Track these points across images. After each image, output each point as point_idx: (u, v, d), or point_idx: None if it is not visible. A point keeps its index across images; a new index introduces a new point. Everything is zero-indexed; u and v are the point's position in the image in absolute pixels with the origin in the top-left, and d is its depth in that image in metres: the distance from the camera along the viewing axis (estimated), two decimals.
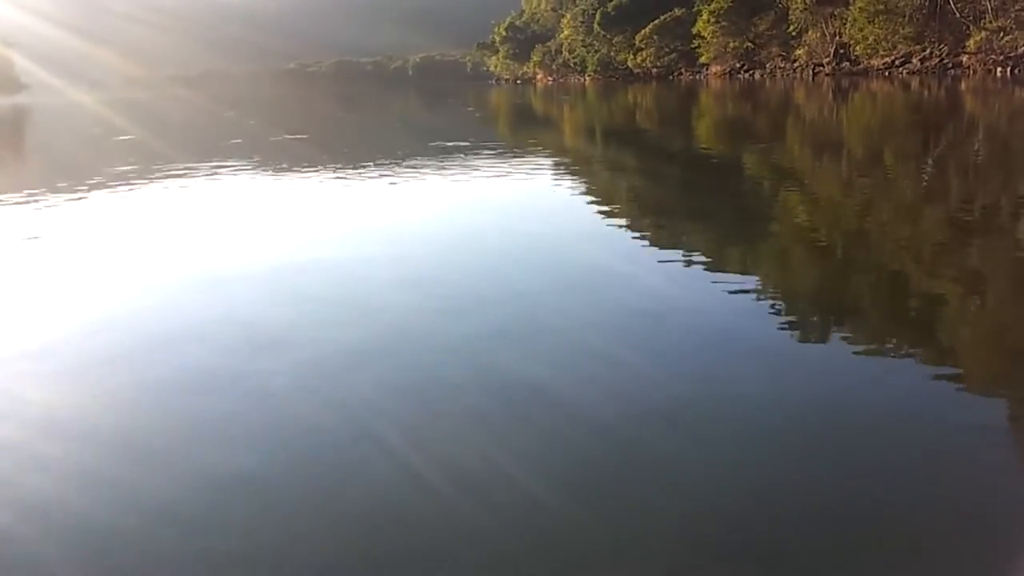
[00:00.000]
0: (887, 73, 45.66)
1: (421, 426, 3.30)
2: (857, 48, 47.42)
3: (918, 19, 43.31)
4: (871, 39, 45.69)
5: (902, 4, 43.10)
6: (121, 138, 25.08)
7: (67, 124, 38.62)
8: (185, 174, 13.40)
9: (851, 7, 47.03)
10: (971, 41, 40.61)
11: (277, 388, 3.77)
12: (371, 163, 14.69)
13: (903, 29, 43.97)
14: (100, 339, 4.69)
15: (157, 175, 13.41)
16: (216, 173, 13.49)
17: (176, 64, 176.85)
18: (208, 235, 8.12)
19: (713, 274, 5.73)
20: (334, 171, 13.96)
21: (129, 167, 15.14)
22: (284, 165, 15.18)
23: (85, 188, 12.09)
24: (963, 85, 33.72)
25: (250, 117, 37.55)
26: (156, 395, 3.75)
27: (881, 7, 44.03)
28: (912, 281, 5.55)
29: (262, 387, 3.78)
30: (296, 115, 42.05)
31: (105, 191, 11.78)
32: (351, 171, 13.62)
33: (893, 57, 45.87)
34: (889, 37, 44.82)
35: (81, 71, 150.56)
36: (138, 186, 12.25)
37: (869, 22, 45.19)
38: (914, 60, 44.87)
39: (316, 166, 14.82)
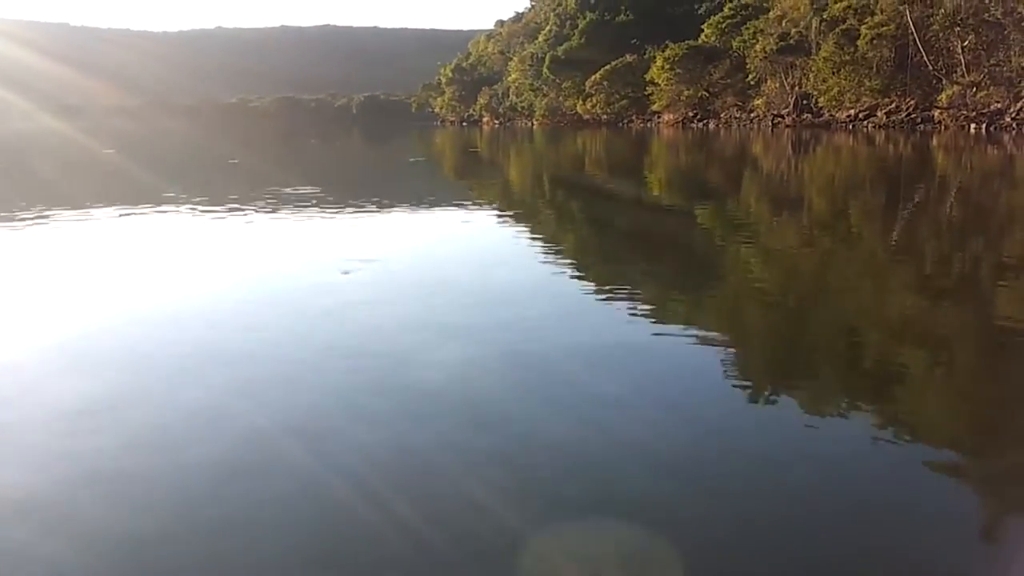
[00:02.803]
0: (851, 126, 43.20)
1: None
2: (820, 99, 44.95)
3: (885, 71, 40.97)
4: (835, 90, 43.24)
5: (870, 55, 40.67)
6: None
7: None
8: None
9: (814, 57, 44.68)
10: (943, 95, 38.28)
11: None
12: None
13: (869, 81, 41.60)
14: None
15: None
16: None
17: (118, 94, 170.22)
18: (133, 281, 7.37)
19: (657, 327, 5.49)
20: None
21: None
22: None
23: None
24: (934, 141, 31.80)
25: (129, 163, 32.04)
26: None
27: (847, 58, 41.63)
28: (867, 341, 5.45)
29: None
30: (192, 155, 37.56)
31: None
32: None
33: (858, 110, 43.44)
34: (855, 89, 42.39)
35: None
36: None
37: (834, 73, 42.78)
38: (879, 113, 42.49)
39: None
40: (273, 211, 12.43)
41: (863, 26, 40.72)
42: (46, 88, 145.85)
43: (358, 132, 66.44)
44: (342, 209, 13.12)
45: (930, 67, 38.74)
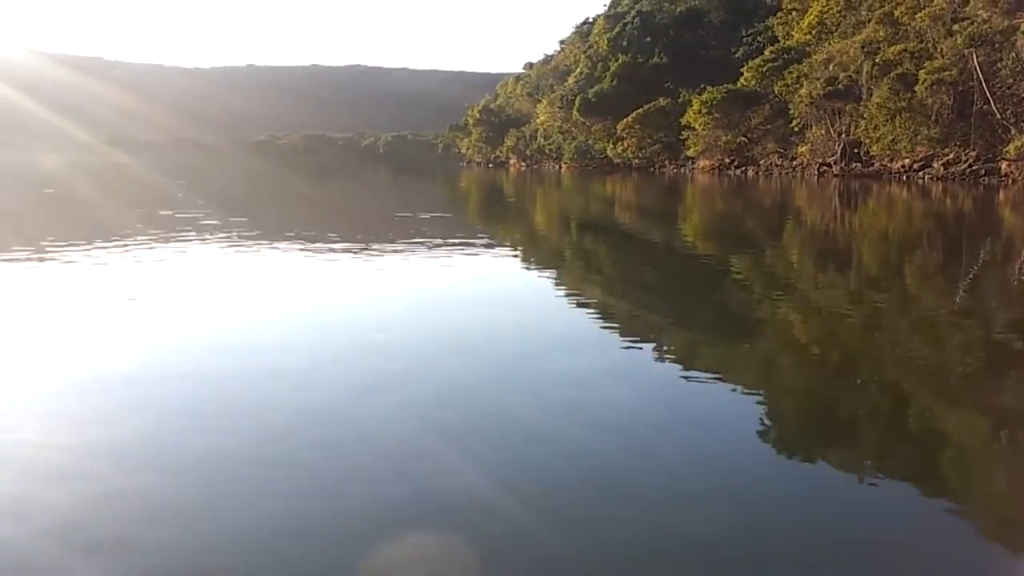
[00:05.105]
0: (904, 177, 40.14)
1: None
2: (872, 148, 41.93)
3: (944, 119, 37.95)
4: (888, 139, 40.24)
5: (928, 102, 37.68)
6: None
7: None
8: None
9: (865, 103, 41.79)
10: (1011, 146, 35.08)
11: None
12: None
13: (927, 130, 38.55)
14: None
15: None
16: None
17: (150, 130, 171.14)
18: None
19: (690, 383, 5.37)
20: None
21: None
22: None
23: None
24: (1000, 195, 29.04)
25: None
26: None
27: (903, 104, 38.66)
28: (918, 405, 5.16)
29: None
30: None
31: None
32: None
33: (912, 159, 40.39)
34: (910, 137, 39.37)
35: (33, 131, 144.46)
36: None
37: (887, 120, 39.80)
38: (936, 164, 39.38)
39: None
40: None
41: (921, 71, 37.82)
42: (80, 119, 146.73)
43: (384, 170, 66.75)
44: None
45: (997, 115, 35.67)
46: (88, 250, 12.36)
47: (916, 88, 37.90)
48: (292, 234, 15.44)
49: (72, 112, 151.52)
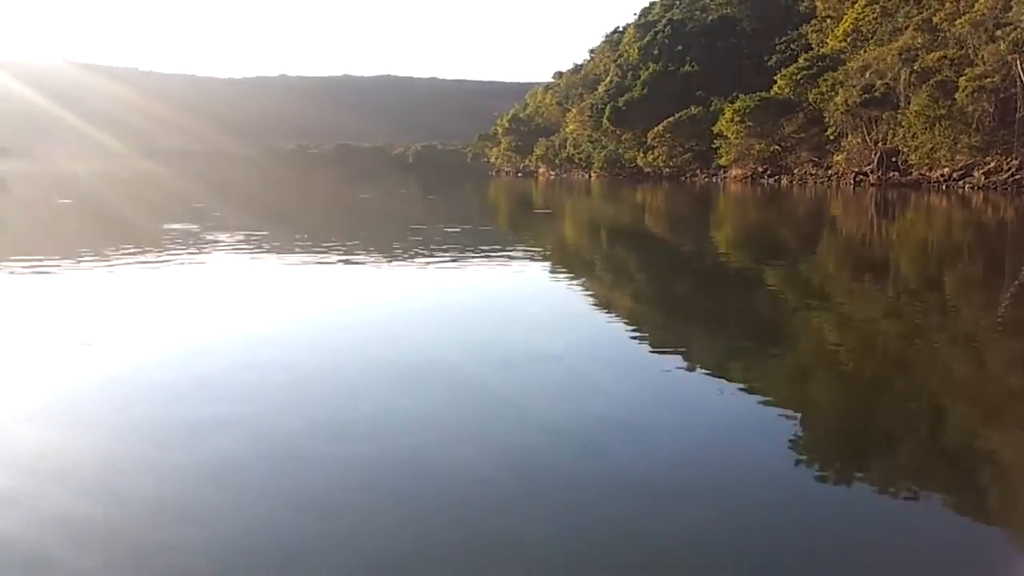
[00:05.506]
0: (944, 186, 39.21)
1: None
2: (910, 157, 41.03)
3: (986, 127, 37.03)
4: (927, 147, 39.34)
5: (969, 109, 36.79)
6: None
7: None
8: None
9: (903, 111, 40.94)
10: None
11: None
12: None
13: (967, 138, 37.64)
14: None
15: None
16: None
17: (182, 139, 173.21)
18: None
19: (724, 395, 5.29)
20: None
21: None
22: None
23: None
24: None
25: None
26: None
27: (942, 112, 37.79)
28: (956, 421, 4.95)
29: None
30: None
31: None
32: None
33: (952, 168, 39.45)
34: (950, 146, 38.46)
35: (68, 141, 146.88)
36: None
37: (926, 128, 38.92)
38: (977, 173, 38.42)
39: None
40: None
41: (962, 78, 36.95)
42: (115, 128, 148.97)
43: (414, 181, 67.33)
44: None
45: None
46: (87, 264, 12.21)
47: (956, 95, 37.05)
48: (331, 245, 15.28)
49: (106, 121, 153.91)
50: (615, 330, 7.79)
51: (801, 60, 53.77)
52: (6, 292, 9.64)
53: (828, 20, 56.47)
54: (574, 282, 11.76)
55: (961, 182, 38.89)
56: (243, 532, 3.32)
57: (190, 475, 3.88)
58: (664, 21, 79.28)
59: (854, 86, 44.56)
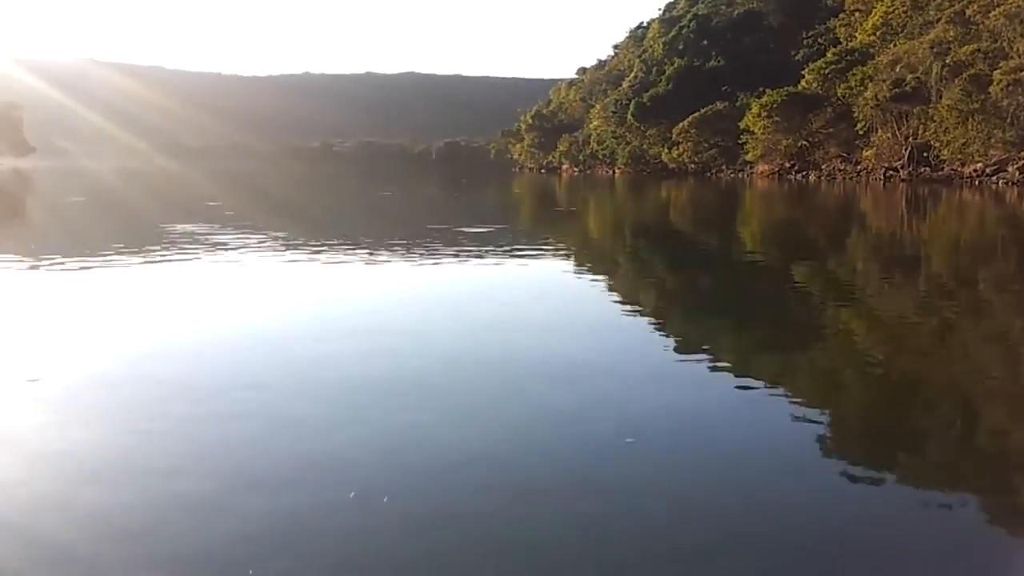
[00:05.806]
0: (977, 182, 38.49)
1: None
2: (942, 152, 40.33)
3: (1021, 121, 36.27)
4: (960, 142, 38.64)
5: (1003, 103, 36.06)
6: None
7: None
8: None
9: (935, 105, 40.23)
10: None
11: None
12: None
13: (1002, 132, 36.92)
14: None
15: None
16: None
17: (204, 137, 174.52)
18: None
19: (757, 400, 5.15)
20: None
21: None
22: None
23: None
24: None
25: None
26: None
27: (976, 106, 37.09)
28: (986, 420, 4.83)
29: None
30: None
31: None
32: None
33: (985, 163, 38.71)
34: (983, 140, 37.75)
35: (93, 139, 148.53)
36: None
37: (959, 123, 38.22)
38: (1011, 168, 37.67)
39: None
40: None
41: (996, 71, 36.22)
42: (140, 127, 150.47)
43: (437, 178, 67.43)
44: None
45: None
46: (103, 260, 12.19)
47: (990, 89, 36.33)
48: (355, 243, 15.24)
49: (131, 120, 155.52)
50: (649, 336, 7.62)
51: (829, 54, 53.10)
52: (16, 288, 9.66)
53: (857, 14, 55.68)
54: (602, 281, 11.65)
55: (995, 177, 38.16)
56: (243, 523, 3.36)
57: (217, 472, 3.92)
58: (689, 16, 78.66)
59: (884, 80, 43.87)
